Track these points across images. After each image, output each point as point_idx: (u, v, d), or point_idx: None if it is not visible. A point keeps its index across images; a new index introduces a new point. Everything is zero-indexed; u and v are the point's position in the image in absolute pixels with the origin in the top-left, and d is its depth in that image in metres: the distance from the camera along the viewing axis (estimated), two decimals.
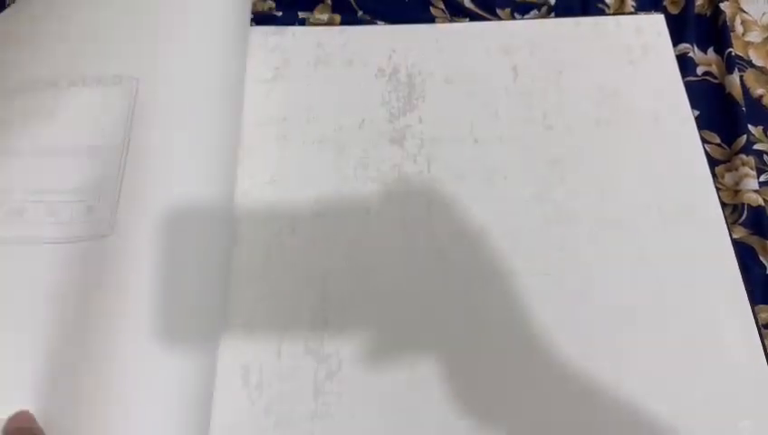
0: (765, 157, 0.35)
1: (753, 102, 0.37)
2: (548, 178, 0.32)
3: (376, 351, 0.28)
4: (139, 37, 0.30)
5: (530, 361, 0.28)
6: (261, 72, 0.35)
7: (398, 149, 0.33)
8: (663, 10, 0.39)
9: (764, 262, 0.32)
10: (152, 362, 0.24)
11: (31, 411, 0.23)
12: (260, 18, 0.38)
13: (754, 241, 0.32)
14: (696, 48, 0.38)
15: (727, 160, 0.35)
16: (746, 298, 0.29)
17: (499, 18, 0.39)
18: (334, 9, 0.39)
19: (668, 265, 0.30)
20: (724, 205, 0.32)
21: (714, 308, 0.29)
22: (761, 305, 0.30)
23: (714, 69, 0.38)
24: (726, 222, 0.31)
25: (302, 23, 0.38)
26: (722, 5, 0.39)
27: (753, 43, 0.39)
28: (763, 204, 0.33)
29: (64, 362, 0.24)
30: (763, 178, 0.34)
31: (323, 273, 0.30)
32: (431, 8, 0.39)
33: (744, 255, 0.31)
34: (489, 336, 0.28)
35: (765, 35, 0.39)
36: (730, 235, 0.31)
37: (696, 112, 0.34)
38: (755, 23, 0.39)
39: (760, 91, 0.37)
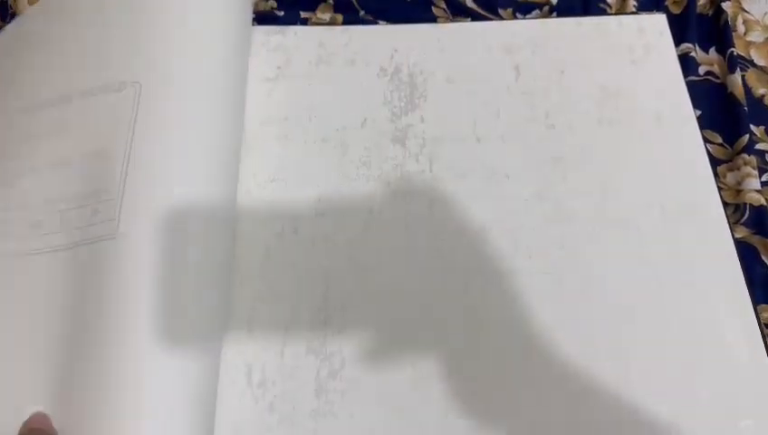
0: (767, 156, 0.35)
1: (755, 102, 0.37)
2: (549, 177, 0.32)
3: (378, 349, 0.28)
4: (141, 40, 0.30)
5: (530, 360, 0.28)
6: (263, 71, 0.35)
7: (399, 148, 0.33)
8: (665, 10, 0.39)
9: (766, 261, 0.32)
10: (157, 363, 0.24)
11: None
12: (262, 18, 0.38)
13: (756, 241, 0.32)
14: (697, 48, 0.38)
15: (729, 160, 0.35)
16: (748, 298, 0.29)
17: (501, 18, 0.39)
18: (336, 9, 0.39)
19: (670, 264, 0.30)
20: (725, 204, 0.32)
21: (715, 307, 0.29)
22: (762, 305, 0.30)
23: (716, 69, 0.38)
24: (728, 222, 0.31)
25: (304, 22, 0.39)
26: (723, 5, 0.39)
27: (754, 42, 0.39)
28: (765, 203, 0.33)
29: (70, 364, 0.24)
30: (765, 178, 0.34)
31: (325, 272, 0.30)
32: (433, 8, 0.40)
33: (746, 254, 0.31)
34: (489, 335, 0.28)
35: (767, 35, 0.39)
36: (732, 234, 0.31)
37: (698, 112, 0.34)
38: (757, 22, 0.39)
39: (762, 91, 0.37)
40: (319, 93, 0.35)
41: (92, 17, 0.32)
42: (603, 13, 0.39)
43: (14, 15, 0.39)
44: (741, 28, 0.39)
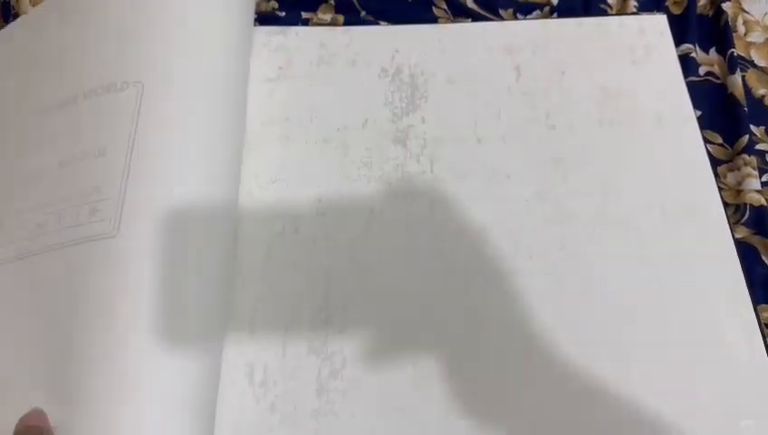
0: (767, 157, 0.35)
1: (755, 103, 0.37)
2: (550, 177, 0.32)
3: (379, 349, 0.29)
4: (144, 40, 0.30)
5: (530, 360, 0.28)
6: (264, 71, 0.35)
7: (401, 148, 0.33)
8: (665, 10, 0.39)
9: (766, 262, 0.32)
10: (157, 363, 0.24)
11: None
12: (263, 18, 0.38)
13: (757, 241, 0.32)
14: (698, 48, 0.38)
15: (729, 160, 0.35)
16: (748, 298, 0.29)
17: (501, 18, 0.39)
18: (337, 9, 0.39)
19: (670, 264, 0.30)
20: (726, 205, 0.32)
21: (715, 308, 0.29)
22: (763, 305, 0.30)
23: (716, 69, 0.38)
24: (728, 222, 0.31)
25: (306, 23, 0.39)
26: (724, 6, 0.39)
27: (754, 43, 0.39)
28: (765, 204, 0.33)
29: (69, 364, 0.24)
30: (765, 178, 0.34)
31: (326, 272, 0.30)
32: (434, 8, 0.40)
33: (747, 254, 0.32)
34: (490, 335, 0.29)
35: (767, 36, 0.39)
36: (732, 234, 0.31)
37: (699, 112, 0.34)
38: (757, 23, 0.39)
39: (762, 92, 0.37)
40: (320, 94, 0.35)
41: (95, 18, 0.32)
42: (604, 13, 0.39)
43: (16, 16, 0.39)
44: (741, 29, 0.39)
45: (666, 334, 0.28)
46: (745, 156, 0.34)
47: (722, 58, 0.38)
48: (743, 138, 0.35)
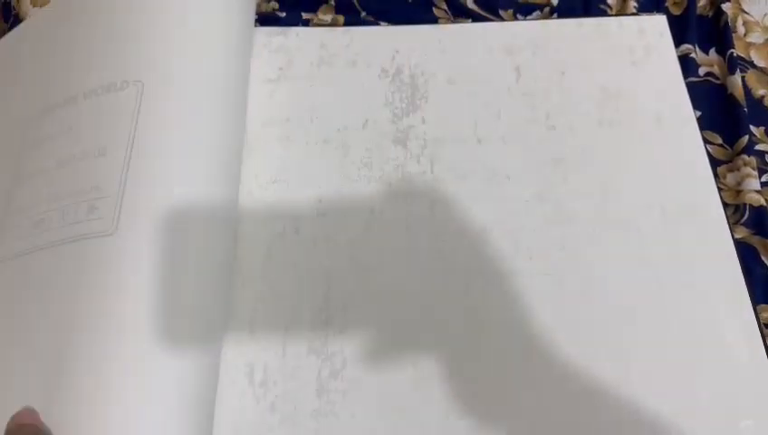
0: (767, 157, 0.35)
1: (755, 103, 0.37)
2: (550, 178, 0.32)
3: (379, 350, 0.29)
4: (145, 41, 0.30)
5: (531, 361, 0.28)
6: (264, 72, 0.35)
7: (401, 149, 0.33)
8: (665, 11, 0.39)
9: (766, 262, 0.32)
10: (154, 363, 0.24)
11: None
12: (263, 19, 0.38)
13: (756, 241, 0.32)
14: (697, 49, 0.38)
15: (729, 161, 0.35)
16: (748, 298, 0.29)
17: (501, 19, 0.39)
18: (338, 10, 0.39)
19: (670, 265, 0.30)
20: (725, 205, 0.32)
21: (715, 308, 0.29)
22: (762, 305, 0.30)
23: (715, 70, 0.38)
24: (728, 222, 0.31)
25: (306, 23, 0.39)
26: (723, 6, 0.39)
27: (754, 44, 0.39)
28: (764, 204, 0.33)
29: (65, 362, 0.24)
30: (764, 179, 0.34)
31: (326, 272, 0.30)
32: (434, 9, 0.40)
33: (746, 255, 0.32)
34: (490, 336, 0.29)
35: (767, 36, 0.39)
36: (732, 235, 0.31)
37: (698, 113, 0.34)
38: (757, 23, 0.40)
39: (761, 92, 0.37)
40: (320, 94, 0.35)
41: (96, 18, 0.32)
42: (604, 14, 0.39)
43: (17, 16, 0.39)
44: (741, 29, 0.39)
45: (666, 334, 0.28)
46: (745, 156, 0.34)
47: (722, 58, 0.38)
48: (742, 138, 0.35)
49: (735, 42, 0.38)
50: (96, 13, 0.32)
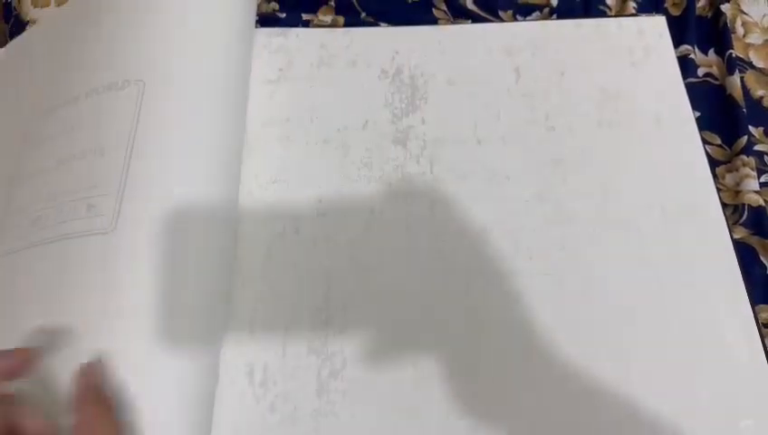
0: (766, 158, 0.35)
1: (754, 104, 0.37)
2: (550, 178, 0.32)
3: (379, 350, 0.29)
4: (146, 40, 0.30)
5: (531, 361, 0.28)
6: (264, 73, 0.35)
7: (401, 149, 0.33)
8: (664, 12, 0.39)
9: (765, 262, 0.32)
10: (153, 362, 0.24)
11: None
12: (263, 20, 0.38)
13: (755, 241, 0.32)
14: (696, 50, 0.38)
15: (728, 161, 0.35)
16: (747, 298, 0.29)
17: (501, 20, 0.39)
18: (338, 11, 0.39)
19: (669, 265, 0.30)
20: (724, 205, 0.32)
21: (714, 308, 0.29)
22: (761, 305, 0.30)
23: (714, 70, 0.38)
24: (727, 222, 0.31)
25: (306, 24, 0.39)
26: (722, 7, 0.39)
27: (753, 44, 0.39)
28: (763, 204, 0.33)
29: (65, 361, 0.24)
30: (763, 179, 0.34)
31: (327, 272, 0.30)
32: (434, 10, 0.40)
33: (745, 255, 0.32)
34: (490, 336, 0.29)
35: (766, 37, 0.39)
36: (731, 235, 0.31)
37: (697, 114, 0.34)
38: (756, 24, 0.40)
39: (760, 93, 0.37)
40: (320, 95, 0.35)
41: (99, 19, 0.32)
42: (603, 15, 0.39)
43: (18, 17, 0.40)
44: (740, 30, 0.39)
45: (666, 334, 0.28)
46: (744, 157, 0.34)
47: (721, 59, 0.38)
48: (741, 139, 0.35)
49: (734, 42, 0.38)
50: (99, 13, 0.32)
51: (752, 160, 0.34)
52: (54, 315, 0.25)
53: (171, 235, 0.26)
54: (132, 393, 0.23)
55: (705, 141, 0.34)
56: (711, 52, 0.38)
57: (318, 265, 0.30)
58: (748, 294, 0.29)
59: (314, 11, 0.39)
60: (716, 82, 0.37)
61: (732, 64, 0.37)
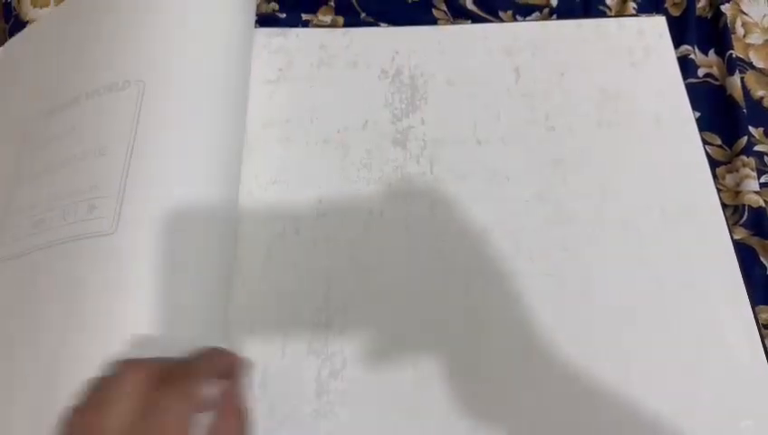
0: (766, 158, 0.35)
1: (754, 104, 0.37)
2: (550, 178, 0.32)
3: (379, 350, 0.29)
4: (146, 41, 0.30)
5: (531, 361, 0.28)
6: (264, 73, 0.35)
7: (400, 150, 0.33)
8: (664, 12, 0.39)
9: (765, 263, 0.32)
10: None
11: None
12: (263, 20, 0.38)
13: (755, 242, 0.32)
14: (696, 50, 0.38)
15: (728, 162, 0.35)
16: (747, 299, 0.29)
17: (501, 20, 0.39)
18: (337, 11, 0.39)
19: (669, 265, 0.30)
20: (724, 206, 0.32)
21: (714, 308, 0.29)
22: (761, 306, 0.30)
23: (715, 71, 0.38)
24: (727, 223, 0.31)
25: (306, 24, 0.39)
26: (723, 8, 0.39)
27: (753, 45, 0.39)
28: (763, 205, 0.33)
29: (64, 361, 0.24)
30: (763, 180, 0.34)
31: (326, 273, 0.30)
32: (434, 10, 0.40)
33: (745, 255, 0.32)
34: (491, 336, 0.29)
35: (766, 37, 0.39)
36: (731, 236, 0.31)
37: (697, 114, 0.34)
38: (756, 25, 0.40)
39: (760, 93, 0.37)
40: (320, 95, 0.35)
41: (99, 19, 0.32)
42: (603, 15, 0.39)
43: (17, 17, 0.40)
44: (740, 30, 0.39)
45: (666, 335, 0.28)
46: (744, 157, 0.34)
47: (721, 60, 0.38)
48: (741, 139, 0.35)
49: (735, 43, 0.38)
50: (99, 14, 0.32)
51: (752, 161, 0.34)
52: (56, 317, 0.25)
53: (171, 235, 0.26)
54: None
55: (705, 142, 0.34)
56: (711, 52, 0.38)
57: (318, 265, 0.30)
58: (748, 295, 0.29)
59: (314, 11, 0.39)
60: (716, 83, 0.37)
61: (732, 65, 0.37)
